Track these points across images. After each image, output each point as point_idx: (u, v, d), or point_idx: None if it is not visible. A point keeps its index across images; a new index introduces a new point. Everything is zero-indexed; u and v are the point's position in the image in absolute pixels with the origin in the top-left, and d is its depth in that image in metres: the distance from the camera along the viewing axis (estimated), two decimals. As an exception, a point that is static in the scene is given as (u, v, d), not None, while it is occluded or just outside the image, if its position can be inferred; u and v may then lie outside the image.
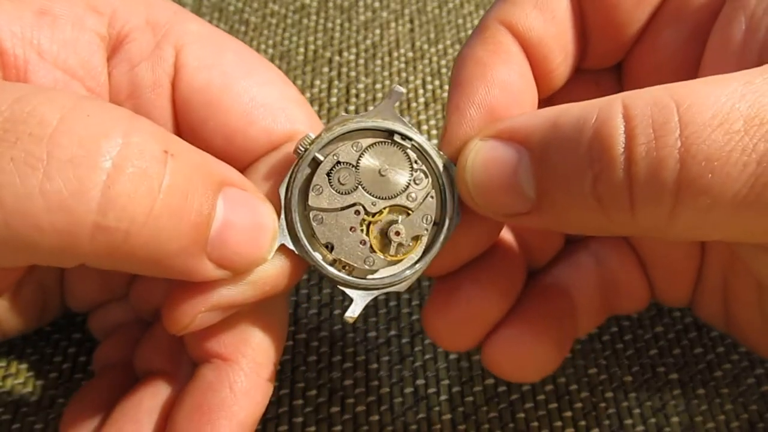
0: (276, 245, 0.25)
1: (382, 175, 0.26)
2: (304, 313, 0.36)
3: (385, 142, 0.26)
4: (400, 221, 0.26)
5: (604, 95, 0.31)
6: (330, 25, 0.51)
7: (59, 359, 0.34)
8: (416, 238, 0.26)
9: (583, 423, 0.32)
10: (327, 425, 0.32)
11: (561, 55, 0.28)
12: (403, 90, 0.27)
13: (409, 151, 0.26)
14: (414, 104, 0.45)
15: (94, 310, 0.34)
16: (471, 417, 0.32)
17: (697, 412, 0.32)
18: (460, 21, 0.51)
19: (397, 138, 0.26)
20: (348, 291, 0.26)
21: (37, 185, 0.20)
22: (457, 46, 0.49)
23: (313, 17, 0.51)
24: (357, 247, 0.26)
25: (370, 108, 0.30)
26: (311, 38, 0.49)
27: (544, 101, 0.28)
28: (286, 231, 0.25)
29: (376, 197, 0.26)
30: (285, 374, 0.33)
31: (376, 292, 0.26)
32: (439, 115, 0.44)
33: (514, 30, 0.27)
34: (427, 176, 0.26)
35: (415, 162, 0.26)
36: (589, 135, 0.21)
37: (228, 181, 0.24)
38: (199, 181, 0.23)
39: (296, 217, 0.25)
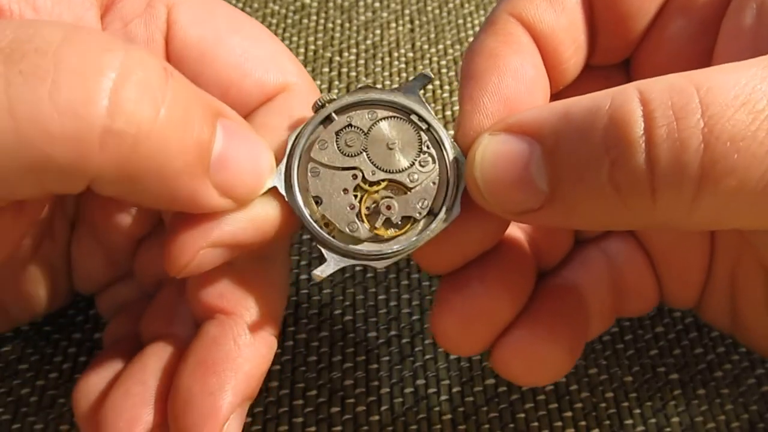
0: (273, 178, 0.25)
1: (390, 149, 0.26)
2: (304, 313, 0.36)
3: (401, 118, 0.26)
4: (394, 197, 0.26)
5: None
6: (330, 25, 0.51)
7: (59, 359, 0.34)
8: (408, 220, 0.26)
9: (583, 423, 0.32)
10: (327, 425, 0.32)
11: (572, 48, 0.28)
12: (432, 75, 0.26)
13: (422, 133, 0.26)
14: (414, 104, 0.45)
15: (101, 292, 0.34)
16: (471, 417, 0.32)
17: (698, 413, 0.32)
18: (461, 21, 0.51)
19: (414, 118, 0.26)
20: (324, 251, 0.26)
21: (46, 93, 0.20)
22: (458, 47, 0.49)
23: (314, 17, 0.51)
24: (345, 209, 0.26)
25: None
26: (311, 38, 0.49)
27: (554, 96, 0.28)
28: (282, 176, 0.25)
29: (377, 167, 0.26)
30: (285, 374, 0.33)
31: (352, 261, 0.26)
32: (439, 115, 0.44)
33: (525, 21, 0.27)
34: (434, 162, 0.26)
35: (426, 145, 0.26)
36: (604, 121, 0.21)
37: (224, 113, 0.24)
38: (199, 105, 0.23)
39: (295, 166, 0.25)
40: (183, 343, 0.28)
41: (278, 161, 0.26)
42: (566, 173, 0.22)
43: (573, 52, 0.28)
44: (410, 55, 0.48)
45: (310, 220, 0.25)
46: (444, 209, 0.26)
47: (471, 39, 0.49)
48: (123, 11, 0.28)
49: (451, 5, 0.52)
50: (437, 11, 0.52)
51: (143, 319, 0.31)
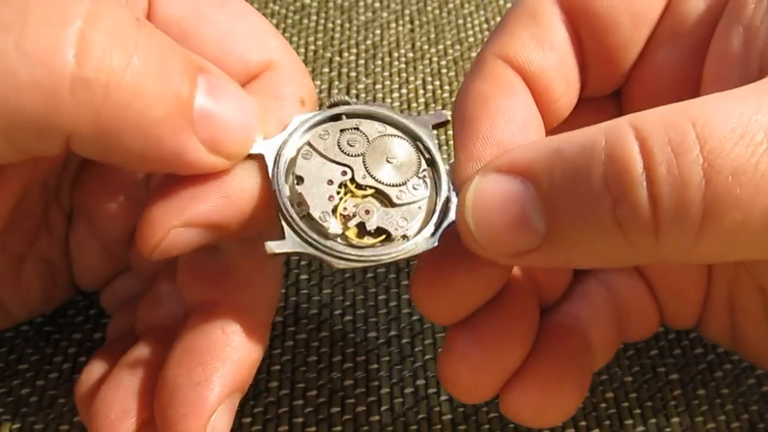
0: (263, 145, 0.25)
1: (388, 162, 0.26)
2: (304, 313, 0.36)
3: (407, 141, 0.26)
4: (375, 205, 0.25)
5: None
6: (330, 25, 0.51)
7: (59, 359, 0.34)
8: (381, 234, 0.25)
9: (583, 423, 0.32)
10: (327, 425, 0.32)
11: (563, 86, 0.27)
12: (449, 118, 0.26)
13: (423, 161, 0.26)
14: (414, 104, 0.45)
15: (104, 288, 0.34)
16: (471, 417, 0.32)
17: (698, 413, 0.32)
18: (461, 21, 0.51)
19: (419, 146, 0.26)
20: (286, 229, 0.24)
21: (12, 42, 0.20)
22: (458, 47, 0.49)
23: (314, 17, 0.51)
24: (324, 198, 0.25)
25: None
26: (311, 38, 0.49)
27: (549, 134, 0.27)
28: (276, 147, 0.25)
29: (369, 173, 0.25)
30: (285, 374, 0.33)
31: (310, 249, 0.24)
32: (440, 116, 0.44)
33: (513, 63, 0.26)
34: (426, 189, 0.26)
35: (423, 172, 0.26)
36: (600, 159, 0.20)
37: (206, 69, 0.24)
38: (176, 57, 0.23)
39: (289, 143, 0.25)
40: (175, 334, 0.27)
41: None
42: (565, 212, 0.21)
43: (564, 90, 0.27)
44: (410, 55, 0.48)
45: (285, 194, 0.24)
46: (421, 236, 0.25)
47: (471, 39, 0.49)
48: None
49: (451, 5, 0.52)
50: (437, 11, 0.52)
51: (137, 311, 0.30)
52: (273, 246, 0.24)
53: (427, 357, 0.34)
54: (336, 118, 0.26)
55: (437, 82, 0.46)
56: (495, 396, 0.28)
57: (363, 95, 0.46)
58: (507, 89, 0.26)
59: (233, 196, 0.24)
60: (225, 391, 0.25)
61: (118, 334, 0.32)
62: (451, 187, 0.26)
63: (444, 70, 0.47)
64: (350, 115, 0.26)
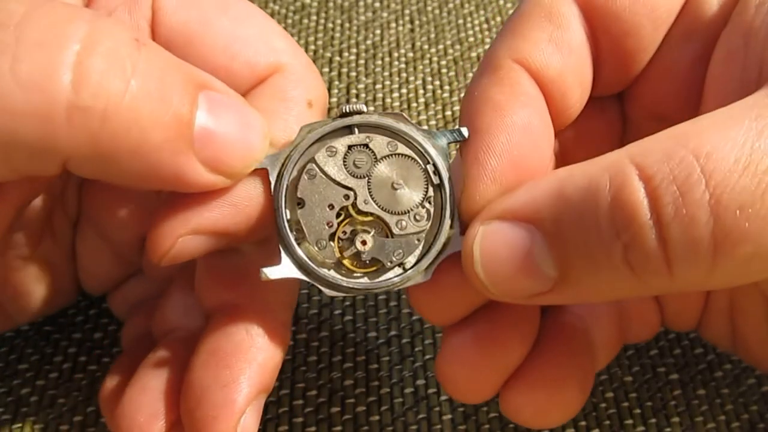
0: (267, 159, 0.24)
1: (393, 188, 0.25)
2: (305, 313, 0.36)
3: (417, 162, 0.25)
4: (372, 234, 0.25)
5: (610, 122, 0.29)
6: (330, 25, 0.51)
7: (59, 359, 0.34)
8: (377, 263, 0.25)
9: (583, 423, 0.32)
10: (327, 425, 0.32)
11: (579, 90, 0.26)
12: (467, 135, 0.25)
13: (431, 187, 0.25)
14: (414, 104, 0.45)
15: (113, 292, 0.33)
16: (471, 417, 0.32)
17: (698, 413, 0.32)
18: (461, 21, 0.51)
19: (429, 168, 0.25)
20: (284, 253, 0.24)
21: (7, 67, 0.19)
22: (458, 47, 0.49)
23: (314, 17, 0.51)
24: (322, 224, 0.25)
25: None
26: (311, 38, 0.49)
27: (557, 135, 0.27)
28: (281, 161, 0.24)
29: (372, 199, 0.25)
30: (285, 374, 0.33)
31: (305, 277, 0.25)
32: (439, 115, 0.44)
33: (530, 68, 0.25)
34: (428, 220, 0.25)
35: (429, 200, 0.25)
36: (606, 203, 0.20)
37: (208, 85, 0.23)
38: (177, 76, 0.22)
39: (294, 158, 0.24)
40: (195, 336, 0.27)
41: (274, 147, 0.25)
42: (575, 258, 0.21)
43: (579, 95, 0.26)
44: (410, 55, 0.48)
45: (284, 219, 0.24)
46: (415, 269, 0.25)
47: (471, 39, 0.49)
48: None
49: (451, 5, 0.52)
50: (437, 11, 0.52)
51: (155, 315, 0.30)
52: (268, 272, 0.24)
53: (427, 357, 0.34)
54: (345, 129, 0.25)
55: (437, 82, 0.46)
56: (495, 396, 0.28)
57: (363, 95, 0.46)
58: (524, 100, 0.25)
59: (240, 203, 0.24)
60: (252, 392, 0.25)
61: (134, 337, 0.31)
62: (456, 215, 0.25)
63: (444, 70, 0.47)
64: (362, 127, 0.25)
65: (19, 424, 0.32)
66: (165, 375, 0.27)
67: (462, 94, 0.45)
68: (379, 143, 0.25)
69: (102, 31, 0.21)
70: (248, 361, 0.25)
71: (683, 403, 0.32)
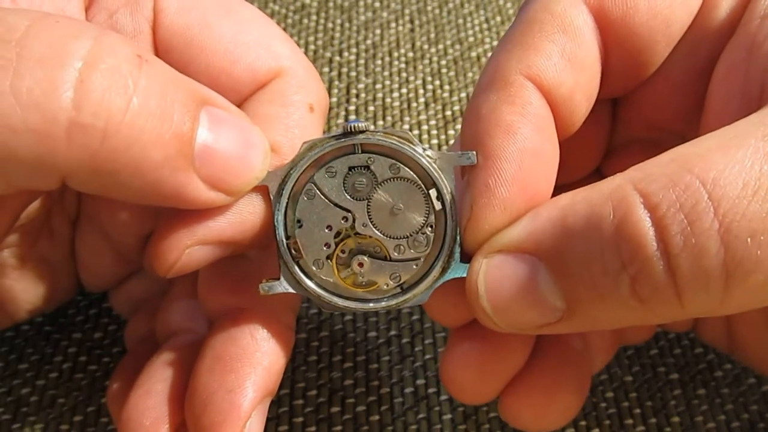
0: (268, 175, 0.24)
1: (393, 213, 0.24)
2: (305, 313, 0.36)
3: (419, 188, 0.24)
4: (370, 255, 0.25)
5: (600, 125, 0.29)
6: (330, 25, 0.51)
7: (59, 359, 0.34)
8: (372, 284, 0.25)
9: (583, 423, 0.32)
10: (327, 425, 0.32)
11: (587, 105, 0.25)
12: (475, 161, 0.24)
13: (432, 214, 0.24)
14: (414, 104, 0.45)
15: (115, 289, 0.33)
16: (471, 417, 0.32)
17: (698, 412, 0.32)
18: (460, 21, 0.51)
19: (432, 193, 0.24)
20: (282, 270, 0.25)
21: (7, 83, 0.19)
22: (458, 47, 0.49)
23: (314, 17, 0.51)
24: (320, 244, 0.25)
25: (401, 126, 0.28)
26: (311, 38, 0.49)
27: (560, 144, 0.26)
28: (278, 181, 0.24)
29: (371, 222, 0.24)
30: (285, 374, 0.33)
31: (301, 292, 0.25)
32: (439, 115, 0.44)
33: (542, 86, 0.24)
34: (427, 246, 0.24)
35: (429, 227, 0.24)
36: (610, 234, 0.20)
37: (211, 101, 0.23)
38: (178, 93, 0.22)
39: (294, 177, 0.24)
40: (198, 338, 0.28)
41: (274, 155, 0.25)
42: (581, 290, 0.21)
43: (587, 109, 0.26)
44: (410, 55, 0.48)
45: (282, 238, 0.24)
46: (411, 293, 0.25)
47: (471, 39, 0.49)
48: (108, 1, 0.27)
49: (451, 5, 0.52)
50: (437, 11, 0.52)
51: (157, 316, 0.30)
52: (266, 287, 0.25)
53: (427, 357, 0.34)
54: (350, 148, 0.24)
55: (437, 82, 0.46)
56: (495, 398, 0.28)
57: (363, 95, 0.46)
58: (536, 123, 0.24)
59: (245, 213, 0.24)
60: (258, 396, 0.25)
61: (138, 338, 0.31)
62: (458, 240, 0.24)
63: (444, 70, 0.47)
64: (365, 147, 0.24)
65: (19, 424, 0.32)
66: (169, 379, 0.27)
67: (462, 94, 0.45)
68: (381, 165, 0.24)
69: (105, 48, 0.21)
70: (254, 365, 0.25)
71: (683, 402, 0.32)
